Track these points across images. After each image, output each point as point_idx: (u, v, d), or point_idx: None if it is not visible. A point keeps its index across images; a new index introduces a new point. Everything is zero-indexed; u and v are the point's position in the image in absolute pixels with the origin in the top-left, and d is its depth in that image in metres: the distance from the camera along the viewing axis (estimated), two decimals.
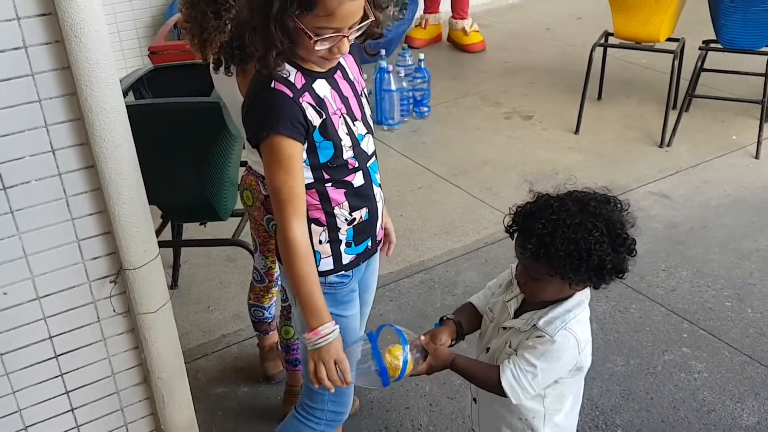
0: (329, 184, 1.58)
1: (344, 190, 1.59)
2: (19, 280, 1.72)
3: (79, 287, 1.80)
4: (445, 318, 1.69)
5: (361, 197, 1.62)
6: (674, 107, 3.98)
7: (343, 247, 1.64)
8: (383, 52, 4.26)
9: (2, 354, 1.76)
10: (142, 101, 2.42)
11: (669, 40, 3.86)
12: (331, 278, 1.66)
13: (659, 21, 3.67)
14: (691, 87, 3.96)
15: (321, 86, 1.52)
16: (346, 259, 1.66)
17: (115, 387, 1.97)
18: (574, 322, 1.52)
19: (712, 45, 3.80)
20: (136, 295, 1.83)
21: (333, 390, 1.59)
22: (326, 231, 1.62)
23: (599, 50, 4.04)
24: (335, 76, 1.56)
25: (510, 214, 1.57)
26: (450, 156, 3.92)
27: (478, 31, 5.35)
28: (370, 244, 1.70)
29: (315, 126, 1.49)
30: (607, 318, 2.70)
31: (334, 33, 1.41)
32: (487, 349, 1.65)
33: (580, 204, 1.49)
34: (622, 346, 2.57)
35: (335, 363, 1.55)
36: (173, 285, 2.96)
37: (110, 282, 1.82)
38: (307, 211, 1.57)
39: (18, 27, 1.51)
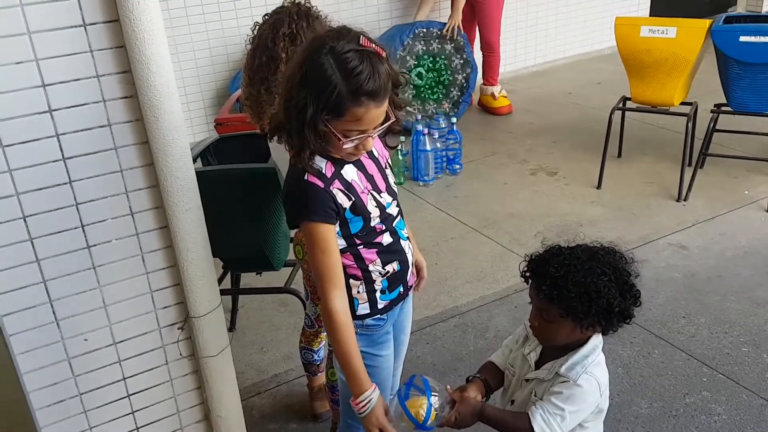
0: (361, 247, 1.64)
1: (376, 250, 1.65)
2: (98, 328, 1.78)
3: (151, 333, 1.86)
4: (471, 377, 1.71)
5: (392, 252, 1.68)
6: (689, 164, 3.95)
7: (378, 294, 1.69)
8: (419, 117, 4.33)
9: (82, 394, 1.82)
10: (209, 168, 2.51)
11: (683, 104, 3.86)
12: (368, 321, 1.71)
13: (672, 87, 3.68)
14: (704, 146, 3.94)
15: (348, 171, 1.59)
16: (381, 304, 1.71)
17: (179, 423, 2.01)
18: (592, 366, 1.52)
19: (723, 108, 3.79)
20: (200, 341, 1.88)
21: None
22: (363, 284, 1.68)
23: (618, 113, 4.05)
24: (361, 157, 1.62)
25: (525, 260, 1.58)
26: (480, 209, 3.94)
27: (506, 96, 5.41)
28: (402, 289, 1.75)
29: (345, 207, 1.57)
30: (632, 362, 2.66)
31: (359, 134, 1.49)
32: (512, 402, 1.65)
33: (589, 253, 1.53)
34: (645, 390, 2.53)
35: (379, 429, 1.60)
36: (231, 328, 3.01)
37: (178, 329, 1.88)
38: (346, 269, 1.63)
39: (104, 108, 1.60)
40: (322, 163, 1.54)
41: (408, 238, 1.75)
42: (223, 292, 2.76)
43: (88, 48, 1.54)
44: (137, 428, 1.95)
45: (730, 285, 3.09)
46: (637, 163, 4.34)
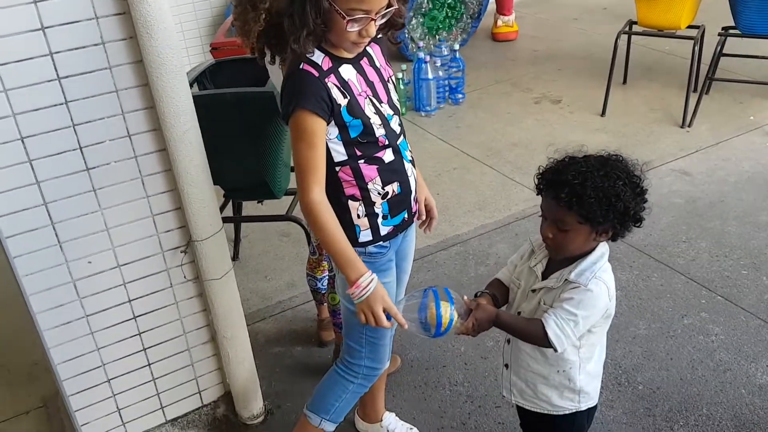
0: (362, 161, 1.60)
1: (376, 166, 1.62)
2: (101, 251, 1.80)
3: (154, 257, 1.88)
4: (479, 293, 1.72)
5: (393, 172, 1.65)
6: (695, 90, 3.90)
7: (380, 219, 1.67)
8: (421, 44, 4.25)
9: (88, 315, 1.85)
10: (205, 92, 2.47)
11: (690, 27, 3.78)
12: (371, 248, 1.69)
13: (680, 9, 3.59)
14: (710, 71, 3.87)
15: (346, 70, 1.55)
16: (384, 230, 1.68)
17: (186, 344, 2.06)
18: (601, 272, 1.54)
19: (731, 31, 3.71)
20: (204, 264, 1.89)
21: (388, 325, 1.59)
22: (362, 205, 1.64)
23: (624, 38, 3.97)
24: (361, 62, 1.59)
25: (538, 173, 1.58)
26: (483, 139, 3.92)
27: (510, 26, 5.31)
28: (406, 216, 1.73)
29: (340, 105, 1.52)
30: (630, 286, 2.69)
31: (363, 15, 1.45)
32: (519, 314, 1.67)
33: (601, 160, 1.53)
34: (644, 312, 2.56)
35: (383, 310, 1.57)
36: (234, 257, 3.04)
37: (181, 252, 1.89)
38: (343, 188, 1.62)
39: (96, 25, 1.57)
40: (319, 57, 1.52)
41: (412, 162, 1.74)
42: (225, 221, 2.78)
43: None
44: (144, 349, 1.99)
45: (732, 210, 3.10)
46: (642, 90, 4.28)
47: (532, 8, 5.82)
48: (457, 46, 4.29)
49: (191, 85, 2.48)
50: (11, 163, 1.60)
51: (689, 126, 3.79)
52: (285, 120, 1.55)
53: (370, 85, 1.61)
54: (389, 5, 1.50)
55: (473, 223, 3.20)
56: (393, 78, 1.70)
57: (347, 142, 1.58)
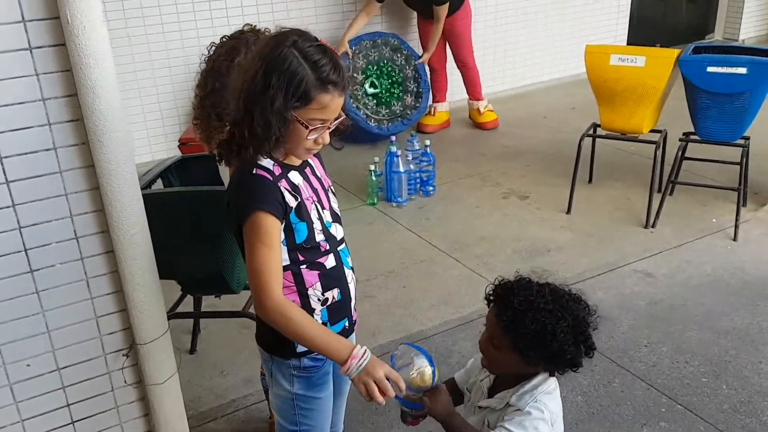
0: (304, 266, 1.61)
1: (317, 272, 1.62)
2: (41, 353, 1.75)
3: (96, 360, 1.83)
4: None
5: (333, 278, 1.66)
6: (659, 191, 3.97)
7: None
8: (393, 138, 4.33)
9: (24, 420, 1.78)
10: (164, 189, 2.47)
11: (652, 131, 3.89)
12: (306, 361, 1.65)
13: (642, 116, 3.70)
14: (673, 174, 3.96)
15: (295, 176, 1.60)
16: None
17: None
18: (542, 395, 1.52)
19: (692, 137, 3.82)
20: (146, 368, 1.85)
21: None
22: None
23: (588, 140, 4.07)
24: (305, 170, 1.64)
25: (493, 284, 1.58)
26: (451, 231, 3.94)
27: (492, 111, 5.50)
28: (347, 324, 1.72)
29: (291, 207, 1.56)
30: (591, 391, 2.65)
31: (321, 124, 1.52)
32: None
33: (555, 295, 1.52)
34: (604, 420, 2.51)
35: (386, 376, 1.48)
36: (192, 350, 2.97)
37: (123, 356, 1.84)
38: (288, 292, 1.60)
39: (49, 131, 1.58)
40: (269, 163, 1.56)
41: (353, 269, 1.73)
42: (181, 315, 2.74)
43: (33, 71, 1.53)
44: None
45: (694, 314, 3.10)
46: (607, 189, 4.36)
47: (503, 105, 5.98)
48: (428, 142, 4.36)
49: (155, 180, 2.49)
50: None
51: (653, 227, 3.84)
52: (239, 223, 1.54)
53: (315, 191, 1.65)
54: (339, 115, 1.57)
55: (437, 318, 3.16)
56: (332, 188, 1.75)
57: (291, 248, 1.59)
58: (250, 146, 1.50)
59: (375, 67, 5.13)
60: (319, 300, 1.63)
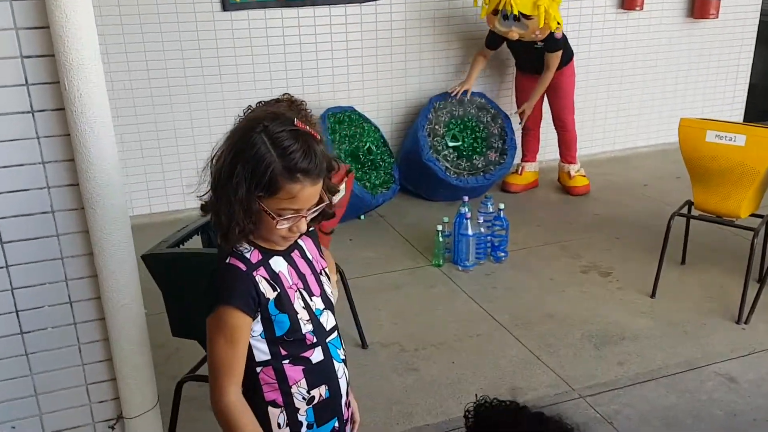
0: (286, 361, 1.49)
1: (302, 367, 1.50)
2: (28, 416, 1.72)
3: (84, 428, 1.78)
4: None
5: (321, 374, 1.53)
6: (758, 282, 3.55)
7: (303, 429, 1.52)
8: (465, 198, 4.16)
9: None
10: (181, 250, 2.40)
11: (753, 215, 3.49)
12: None
13: (740, 199, 3.33)
14: None
15: (277, 262, 1.49)
16: None
17: None
18: None
19: None
20: None
21: None
22: (284, 412, 1.50)
23: (680, 218, 3.71)
24: (292, 254, 1.53)
25: (475, 403, 1.44)
26: (517, 305, 3.68)
27: (584, 176, 5.18)
28: (336, 425, 1.57)
29: (269, 299, 1.44)
30: None
31: (294, 214, 1.41)
32: None
33: (538, 419, 1.35)
34: None
35: None
36: None
37: (109, 428, 1.78)
38: (263, 392, 1.49)
39: (48, 194, 1.56)
40: (248, 250, 1.46)
41: (344, 361, 1.59)
42: (200, 378, 2.68)
43: (35, 134, 1.52)
44: None
45: None
46: (701, 273, 3.95)
47: (602, 169, 5.66)
48: (502, 206, 4.15)
49: (189, 237, 2.45)
50: None
51: (746, 322, 3.42)
52: (205, 314, 1.45)
53: (302, 277, 1.53)
54: (320, 200, 1.46)
55: None
56: (326, 270, 1.62)
57: (271, 341, 1.48)
58: (220, 235, 1.41)
59: (459, 122, 5.02)
60: (304, 399, 1.51)
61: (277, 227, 1.41)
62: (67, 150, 1.53)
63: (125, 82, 4.48)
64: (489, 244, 4.17)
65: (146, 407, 1.75)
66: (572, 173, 5.16)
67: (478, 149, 5.03)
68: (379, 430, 2.74)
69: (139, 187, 4.67)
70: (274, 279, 1.46)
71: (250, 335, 1.45)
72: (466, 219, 3.99)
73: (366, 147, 4.73)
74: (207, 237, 2.58)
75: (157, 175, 4.73)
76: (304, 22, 4.86)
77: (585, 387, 2.99)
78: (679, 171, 5.52)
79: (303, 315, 1.49)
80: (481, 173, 4.98)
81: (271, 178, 1.35)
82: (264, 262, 1.46)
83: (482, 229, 4.08)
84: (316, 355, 1.51)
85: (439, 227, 4.07)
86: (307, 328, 1.49)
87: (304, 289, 1.51)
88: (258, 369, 1.48)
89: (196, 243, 2.52)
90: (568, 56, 4.88)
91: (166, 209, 4.77)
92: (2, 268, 1.59)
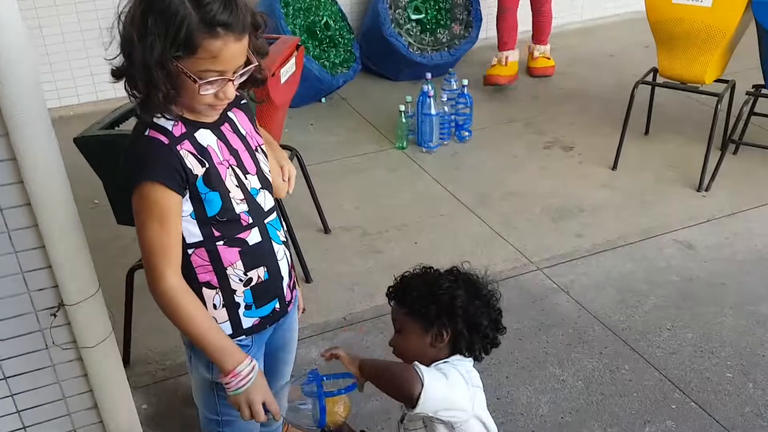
0: (221, 242, 1.42)
1: (238, 249, 1.43)
2: None
3: (27, 316, 1.73)
4: None
5: (258, 256, 1.46)
6: (721, 150, 3.54)
7: (242, 310, 1.48)
8: (428, 75, 4.02)
9: None
10: (111, 132, 2.24)
11: (718, 81, 3.43)
12: None
13: (704, 63, 3.25)
14: (737, 131, 3.51)
15: (204, 136, 1.38)
16: (247, 323, 1.49)
17: (66, 409, 1.90)
18: (456, 362, 1.41)
19: (763, 91, 3.34)
20: (75, 330, 1.74)
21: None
22: (219, 294, 1.45)
23: (644, 88, 3.64)
24: (222, 127, 1.42)
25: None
26: (479, 184, 3.66)
27: (548, 58, 4.97)
28: (277, 306, 1.53)
29: (197, 175, 1.34)
30: (595, 377, 2.41)
31: (218, 77, 1.28)
32: None
33: (445, 272, 1.48)
34: (602, 412, 2.27)
35: (264, 404, 1.42)
36: None
37: (50, 315, 1.74)
38: (196, 273, 1.43)
39: None
40: (168, 123, 1.33)
41: (285, 243, 1.54)
42: None
43: None
44: (18, 411, 1.85)
45: (732, 295, 2.76)
46: (664, 144, 3.93)
47: (567, 41, 5.50)
48: (465, 82, 4.03)
49: (126, 118, 2.32)
50: None
51: (706, 190, 3.44)
52: (128, 192, 1.36)
53: (234, 153, 1.43)
54: (248, 63, 1.33)
55: None
56: (263, 147, 1.52)
57: (202, 221, 1.39)
58: (138, 104, 1.30)
59: None
60: (240, 280, 1.46)
61: (200, 92, 1.28)
62: None
63: None
64: (453, 124, 4.08)
65: (86, 294, 1.70)
66: (536, 54, 4.94)
67: (442, 22, 4.82)
68: (340, 310, 2.76)
69: (64, 75, 4.41)
70: (202, 153, 1.35)
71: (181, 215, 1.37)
72: (429, 98, 3.87)
73: (323, 22, 4.49)
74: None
75: (82, 61, 4.41)
76: None
77: (543, 259, 3.02)
78: (648, 41, 5.41)
79: (236, 194, 1.40)
80: (446, 48, 4.80)
81: (187, 34, 1.20)
82: (189, 135, 1.35)
83: (446, 108, 3.99)
84: (253, 237, 1.45)
85: (402, 107, 3.96)
86: (241, 207, 1.41)
87: (237, 166, 1.42)
88: (189, 251, 1.40)
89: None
90: None
91: (95, 99, 4.51)
92: None
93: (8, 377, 1.79)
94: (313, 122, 4.36)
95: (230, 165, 1.41)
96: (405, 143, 4.02)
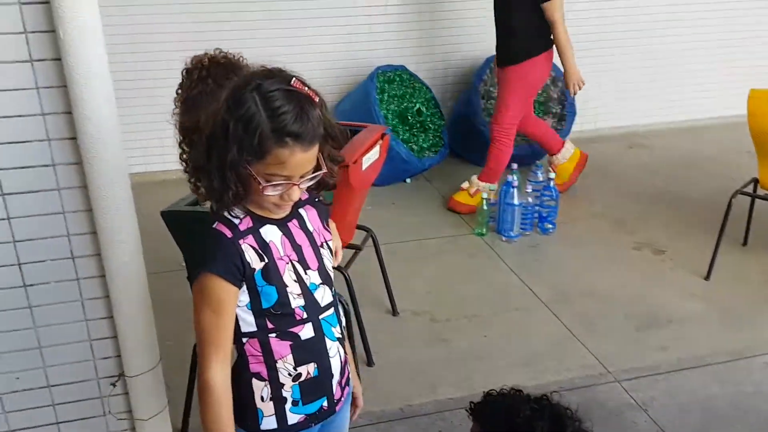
0: (273, 335, 1.43)
1: (290, 343, 1.44)
2: (31, 368, 1.73)
3: (89, 382, 1.79)
4: None
5: (309, 351, 1.46)
6: None
7: (288, 405, 1.47)
8: (514, 166, 3.98)
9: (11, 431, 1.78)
10: (197, 209, 2.32)
11: None
12: None
13: None
14: None
15: (269, 231, 1.41)
16: (292, 419, 1.48)
17: None
18: None
19: None
20: (133, 401, 1.78)
21: None
22: (268, 386, 1.45)
23: (745, 198, 3.47)
24: (289, 223, 1.45)
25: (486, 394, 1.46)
26: (559, 280, 3.54)
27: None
28: (325, 404, 1.51)
29: (255, 269, 1.38)
30: None
31: (284, 180, 1.32)
32: None
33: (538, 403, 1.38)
34: None
35: None
36: None
37: (110, 384, 1.78)
38: (248, 363, 1.45)
39: (48, 147, 1.53)
40: (238, 217, 1.39)
41: (340, 340, 1.52)
42: None
43: (34, 84, 1.48)
44: None
45: None
46: (763, 257, 3.70)
47: (666, 140, 5.36)
48: (552, 175, 3.97)
49: None
50: None
51: None
52: (190, 282, 1.40)
53: (297, 249, 1.45)
54: (318, 167, 1.37)
55: (511, 381, 2.80)
56: (329, 243, 1.53)
57: (258, 312, 1.42)
58: (211, 198, 1.34)
59: None
60: (290, 375, 1.46)
61: (264, 194, 1.33)
62: (66, 102, 1.49)
63: (124, 36, 4.24)
64: (536, 215, 4.01)
65: (146, 367, 1.74)
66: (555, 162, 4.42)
67: (537, 113, 4.82)
68: (399, 399, 2.69)
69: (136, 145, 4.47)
70: (263, 248, 1.39)
71: (237, 305, 1.40)
72: (513, 187, 3.84)
73: (416, 108, 4.60)
74: None
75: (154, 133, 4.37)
76: None
77: (622, 370, 2.85)
78: (750, 145, 5.20)
79: (294, 288, 1.42)
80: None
81: (259, 141, 1.27)
82: (254, 230, 1.39)
83: (530, 199, 3.93)
84: (306, 332, 1.45)
85: (484, 195, 3.94)
86: (297, 302, 1.43)
87: (298, 261, 1.44)
88: (244, 339, 1.44)
89: None
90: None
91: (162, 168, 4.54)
92: (4, 219, 1.58)
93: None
94: (395, 201, 4.39)
95: (291, 260, 1.43)
96: (485, 230, 3.98)
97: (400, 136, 4.40)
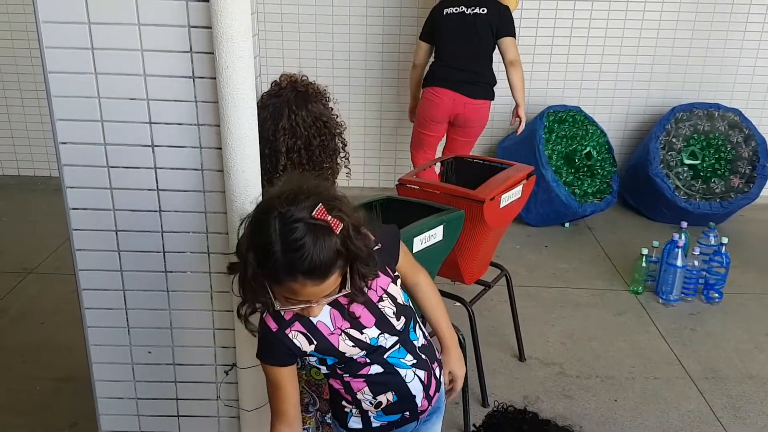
0: (347, 376, 1.55)
1: (363, 380, 1.55)
2: (161, 345, 1.96)
3: (208, 367, 1.98)
4: None
5: (383, 384, 1.55)
6: None
7: (372, 414, 1.60)
8: (684, 224, 3.75)
9: (138, 398, 2.02)
10: None
11: None
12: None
13: None
14: None
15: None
16: (376, 423, 1.60)
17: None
18: None
19: None
20: (240, 391, 1.93)
21: None
22: (355, 408, 1.60)
23: None
24: (338, 297, 1.46)
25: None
26: (714, 355, 3.27)
27: None
28: (408, 414, 1.61)
29: (306, 350, 1.49)
30: None
31: (302, 304, 1.39)
32: None
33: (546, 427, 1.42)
34: None
35: None
36: None
37: (224, 372, 1.96)
38: (337, 392, 1.61)
39: (199, 154, 1.75)
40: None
41: (416, 363, 1.56)
42: None
43: (193, 98, 1.70)
44: None
45: None
46: None
47: None
48: (725, 240, 3.68)
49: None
50: (103, 248, 1.85)
51: None
52: None
53: (350, 316, 1.50)
54: (341, 288, 1.40)
55: None
56: (388, 288, 1.55)
57: (326, 366, 1.56)
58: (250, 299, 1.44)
59: (702, 138, 4.55)
60: (371, 403, 1.58)
61: (282, 312, 1.43)
62: (216, 116, 1.69)
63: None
64: (702, 281, 3.74)
65: (255, 361, 1.88)
66: None
67: (719, 172, 4.52)
68: None
69: None
70: (312, 332, 1.48)
71: (306, 360, 1.54)
72: (678, 248, 3.61)
73: (585, 151, 4.49)
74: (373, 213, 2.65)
75: None
76: (543, 15, 4.74)
77: None
78: None
79: (352, 352, 1.51)
80: (718, 199, 4.46)
81: (274, 270, 1.32)
82: (300, 317, 1.47)
83: (696, 262, 3.68)
84: (374, 369, 1.54)
85: (645, 250, 3.75)
86: (359, 355, 1.52)
87: (351, 327, 1.50)
88: (327, 378, 1.61)
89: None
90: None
91: None
92: (156, 212, 1.81)
93: (181, 416, 2.04)
94: (548, 245, 4.31)
95: (342, 331, 1.49)
96: (641, 288, 3.78)
97: (563, 178, 4.32)
